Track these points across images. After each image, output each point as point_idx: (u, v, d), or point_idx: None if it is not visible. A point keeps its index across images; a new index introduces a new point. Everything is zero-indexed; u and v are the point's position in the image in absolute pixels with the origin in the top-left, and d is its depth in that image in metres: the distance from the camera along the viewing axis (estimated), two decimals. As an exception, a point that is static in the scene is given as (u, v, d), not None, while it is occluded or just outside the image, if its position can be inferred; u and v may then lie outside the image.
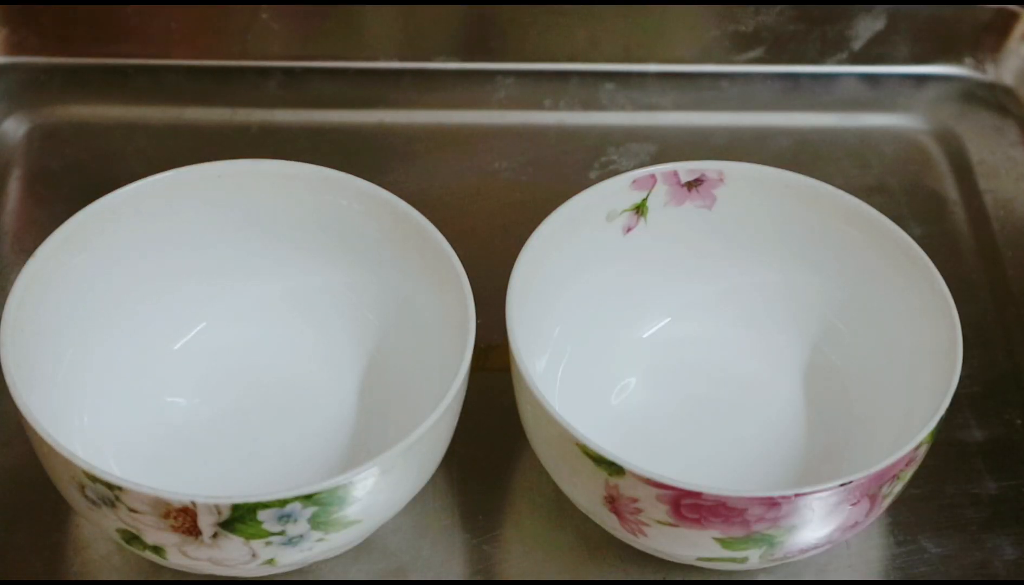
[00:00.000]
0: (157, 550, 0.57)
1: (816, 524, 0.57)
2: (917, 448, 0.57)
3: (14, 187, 0.76)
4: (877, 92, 0.84)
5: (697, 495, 0.55)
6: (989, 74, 0.84)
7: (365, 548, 0.63)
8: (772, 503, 0.55)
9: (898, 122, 0.83)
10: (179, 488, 0.55)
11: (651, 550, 0.60)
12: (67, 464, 0.55)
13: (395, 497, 0.58)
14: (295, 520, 0.55)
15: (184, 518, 0.55)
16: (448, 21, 0.82)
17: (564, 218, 0.64)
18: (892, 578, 0.63)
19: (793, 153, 0.80)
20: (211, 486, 0.63)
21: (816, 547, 0.59)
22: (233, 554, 0.56)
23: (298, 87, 0.82)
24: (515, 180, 0.78)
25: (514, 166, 0.79)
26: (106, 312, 0.64)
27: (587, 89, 0.83)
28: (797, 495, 0.55)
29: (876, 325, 0.65)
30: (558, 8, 0.81)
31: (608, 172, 0.78)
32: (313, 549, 0.57)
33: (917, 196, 0.79)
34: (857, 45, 0.83)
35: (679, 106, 0.83)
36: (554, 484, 0.61)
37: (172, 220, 0.65)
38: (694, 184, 0.66)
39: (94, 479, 0.55)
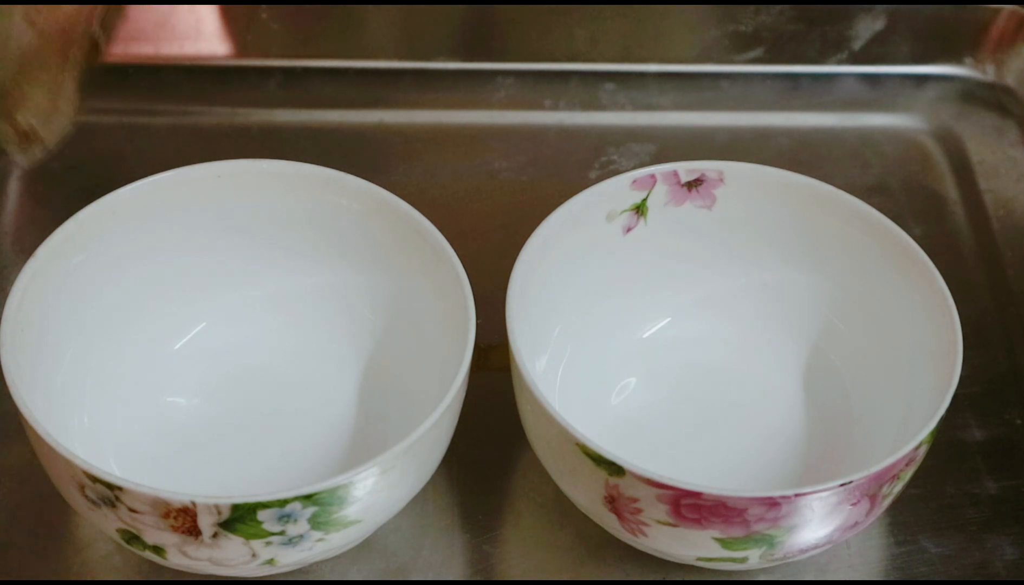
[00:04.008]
0: (157, 550, 0.57)
1: (816, 524, 0.57)
2: (917, 448, 0.57)
3: (14, 187, 0.76)
4: (877, 92, 0.84)
5: (697, 495, 0.55)
6: (989, 74, 0.84)
7: (365, 548, 0.63)
8: (772, 503, 0.55)
9: (898, 122, 0.83)
10: (179, 488, 0.55)
11: (651, 550, 0.60)
12: (67, 464, 0.55)
13: (395, 497, 0.58)
14: (295, 520, 0.55)
15: (184, 518, 0.55)
16: (448, 21, 0.82)
17: (564, 218, 0.64)
18: (892, 578, 0.63)
19: (793, 153, 0.80)
20: (211, 486, 0.63)
21: (816, 547, 0.59)
22: (233, 554, 0.56)
23: (298, 87, 0.82)
24: (515, 180, 0.78)
25: (514, 166, 0.79)
26: (106, 312, 0.64)
27: (587, 89, 0.83)
28: (797, 495, 0.55)
29: (876, 325, 0.65)
30: (558, 8, 0.81)
31: (608, 172, 0.78)
32: (313, 549, 0.57)
33: (917, 196, 0.79)
34: (857, 45, 0.83)
35: (679, 106, 0.83)
36: (554, 484, 0.61)
37: (172, 220, 0.65)
38: (694, 184, 0.66)
39: (94, 479, 0.55)
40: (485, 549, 0.64)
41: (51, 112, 0.69)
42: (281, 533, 0.56)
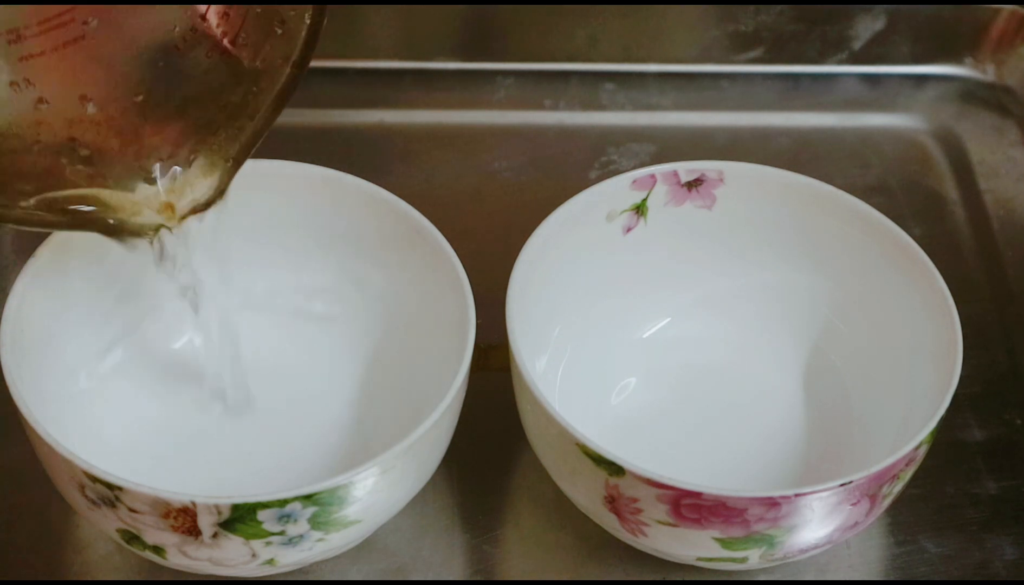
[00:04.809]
0: (157, 550, 0.57)
1: (816, 524, 0.57)
2: (917, 448, 0.57)
3: (14, 187, 0.76)
4: (877, 92, 0.84)
5: (697, 495, 0.55)
6: (989, 74, 0.84)
7: (365, 548, 0.63)
8: (772, 503, 0.55)
9: (898, 122, 0.83)
10: (179, 488, 0.55)
11: (651, 550, 0.60)
12: (67, 464, 0.55)
13: (395, 497, 0.58)
14: (295, 520, 0.55)
15: (184, 518, 0.55)
16: (448, 21, 0.82)
17: (564, 218, 0.64)
18: (892, 578, 0.63)
19: (793, 153, 0.80)
20: (211, 486, 0.63)
21: (816, 547, 0.59)
22: (233, 554, 0.56)
23: (298, 87, 0.82)
24: (515, 180, 0.78)
25: (514, 166, 0.79)
26: (106, 312, 0.64)
27: (587, 89, 0.83)
28: (797, 495, 0.55)
29: (876, 325, 0.65)
30: (558, 8, 0.81)
31: (608, 172, 0.78)
32: (313, 549, 0.57)
33: (917, 196, 0.79)
34: (857, 45, 0.83)
35: (679, 106, 0.83)
36: (554, 484, 0.61)
37: (172, 220, 0.65)
38: (694, 184, 0.66)
39: (94, 479, 0.55)
40: (485, 549, 0.64)
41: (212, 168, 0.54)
42: (281, 533, 0.56)
